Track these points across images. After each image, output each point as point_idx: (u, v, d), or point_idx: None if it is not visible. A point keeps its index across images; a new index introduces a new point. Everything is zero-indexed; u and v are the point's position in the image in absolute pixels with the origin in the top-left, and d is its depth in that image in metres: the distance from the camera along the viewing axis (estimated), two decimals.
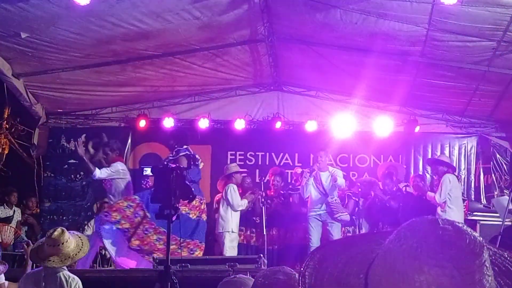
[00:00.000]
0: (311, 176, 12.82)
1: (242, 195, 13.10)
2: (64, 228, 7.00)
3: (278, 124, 15.62)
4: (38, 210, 15.04)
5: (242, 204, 12.92)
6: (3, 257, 10.00)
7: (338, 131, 14.98)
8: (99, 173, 11.60)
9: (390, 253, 1.55)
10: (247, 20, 12.36)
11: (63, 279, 6.85)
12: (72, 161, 15.99)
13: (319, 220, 12.77)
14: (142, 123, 15.67)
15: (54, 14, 10.92)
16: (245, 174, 13.85)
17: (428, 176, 15.13)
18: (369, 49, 12.32)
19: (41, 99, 14.87)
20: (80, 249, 7.00)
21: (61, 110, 15.93)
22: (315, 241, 12.52)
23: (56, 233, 6.84)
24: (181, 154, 11.97)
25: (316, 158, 13.23)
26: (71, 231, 7.32)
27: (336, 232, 12.79)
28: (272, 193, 13.79)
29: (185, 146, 12.26)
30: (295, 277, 3.11)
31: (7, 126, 15.16)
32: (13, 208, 13.99)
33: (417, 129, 15.43)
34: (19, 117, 15.33)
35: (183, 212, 10.96)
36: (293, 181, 14.79)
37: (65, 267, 7.02)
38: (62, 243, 6.80)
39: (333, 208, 12.78)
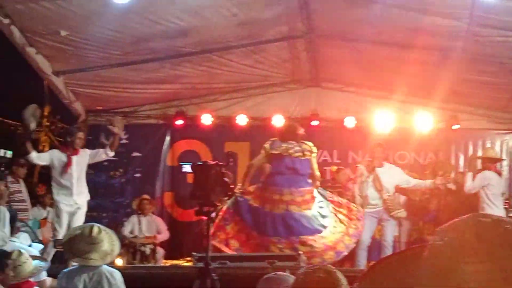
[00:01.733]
0: (371, 174, 12.63)
1: None
2: (100, 226, 7.02)
3: (314, 122, 15.52)
4: None
5: None
6: (42, 255, 10.07)
7: (377, 128, 14.89)
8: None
9: (433, 250, 1.55)
10: (285, 17, 12.34)
11: (108, 274, 6.88)
12: (111, 158, 16.10)
13: (375, 217, 12.52)
14: (180, 121, 15.72)
15: (93, 11, 11.00)
16: None
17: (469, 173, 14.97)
18: (409, 45, 12.21)
19: (80, 96, 14.97)
20: (114, 245, 7.03)
21: (100, 108, 16.03)
22: (366, 239, 12.32)
23: (95, 231, 6.86)
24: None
25: (372, 153, 12.98)
26: (90, 224, 7.35)
27: (390, 231, 12.61)
28: None
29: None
30: (336, 274, 3.09)
31: (47, 123, 15.31)
32: (47, 209, 14.09)
33: (455, 127, 15.22)
34: (59, 114, 15.49)
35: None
36: (330, 179, 14.74)
37: None
38: (102, 241, 6.84)
39: (389, 205, 12.58)
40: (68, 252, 7.00)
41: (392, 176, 12.68)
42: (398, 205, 12.77)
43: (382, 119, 14.94)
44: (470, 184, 12.42)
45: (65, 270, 7.23)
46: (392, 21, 11.45)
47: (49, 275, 7.95)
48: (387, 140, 14.52)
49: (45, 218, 13.74)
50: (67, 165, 11.50)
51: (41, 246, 9.20)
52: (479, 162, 13.28)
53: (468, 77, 13.28)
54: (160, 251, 13.75)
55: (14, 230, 8.08)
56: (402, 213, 12.76)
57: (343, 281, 3.05)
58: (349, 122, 15.39)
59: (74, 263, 7.05)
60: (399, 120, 15.28)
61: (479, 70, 12.83)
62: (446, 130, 15.39)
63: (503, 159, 14.71)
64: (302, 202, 11.14)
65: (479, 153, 14.84)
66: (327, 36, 13.30)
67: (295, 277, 3.27)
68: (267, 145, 11.35)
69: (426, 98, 15.18)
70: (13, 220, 8.12)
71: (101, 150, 12.04)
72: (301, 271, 3.23)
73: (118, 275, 6.94)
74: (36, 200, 14.06)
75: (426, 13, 10.83)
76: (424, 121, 15.05)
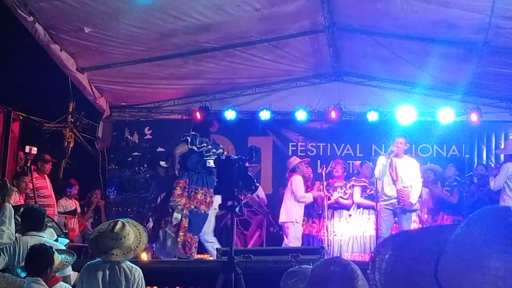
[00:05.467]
0: (388, 157, 12.55)
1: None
2: (124, 221, 7.08)
3: (333, 114, 15.47)
4: (103, 202, 15.25)
5: (306, 196, 13.00)
6: (70, 248, 10.19)
7: (400, 121, 14.85)
8: None
9: (460, 240, 1.57)
10: (307, 11, 12.34)
11: (127, 269, 6.95)
12: (135, 153, 16.23)
13: (390, 209, 12.51)
14: (204, 116, 15.74)
15: (117, 8, 11.08)
16: (306, 165, 13.89)
17: (492, 165, 14.94)
18: (431, 38, 12.20)
19: (104, 92, 15.06)
20: (140, 241, 7.10)
21: (124, 103, 16.14)
22: (384, 232, 12.28)
23: (117, 227, 6.92)
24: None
25: (395, 143, 12.82)
26: (125, 219, 7.42)
27: (407, 223, 12.53)
28: (333, 183, 13.82)
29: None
30: (350, 266, 3.12)
31: (72, 119, 15.45)
32: (73, 200, 14.20)
33: (474, 118, 15.07)
34: (83, 110, 15.61)
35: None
36: (355, 172, 14.74)
37: None
38: (124, 237, 6.90)
39: (402, 195, 12.52)
40: (94, 248, 7.10)
41: (409, 169, 12.60)
42: (409, 197, 12.61)
43: (404, 112, 14.89)
44: (493, 183, 12.36)
45: (88, 262, 7.33)
46: (414, 14, 11.43)
47: (75, 269, 8.04)
48: (410, 133, 14.51)
49: (74, 211, 13.84)
50: None
51: (66, 241, 9.27)
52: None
53: (491, 70, 13.23)
54: None
55: (42, 227, 8.16)
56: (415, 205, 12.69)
57: (359, 271, 3.09)
58: (372, 116, 15.35)
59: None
60: (421, 113, 15.24)
61: (501, 62, 12.78)
62: (469, 122, 15.31)
63: None
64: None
65: (502, 146, 14.82)
66: (349, 30, 13.29)
67: (311, 271, 3.31)
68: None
69: (448, 91, 15.14)
70: (42, 216, 8.20)
71: None
72: (316, 265, 3.27)
73: (137, 272, 7.00)
74: (65, 194, 14.14)
75: (448, 6, 10.81)
76: (447, 114, 14.98)
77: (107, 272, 6.92)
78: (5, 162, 12.32)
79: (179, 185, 10.94)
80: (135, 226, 7.25)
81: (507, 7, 10.38)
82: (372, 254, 1.85)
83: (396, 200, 12.39)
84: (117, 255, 6.89)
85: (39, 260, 6.67)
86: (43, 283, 6.52)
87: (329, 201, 13.35)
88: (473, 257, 1.50)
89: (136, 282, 6.95)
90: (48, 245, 6.97)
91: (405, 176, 12.46)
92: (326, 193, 13.29)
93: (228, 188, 8.02)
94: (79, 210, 14.21)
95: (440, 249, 1.66)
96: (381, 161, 12.48)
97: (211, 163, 10.27)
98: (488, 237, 1.49)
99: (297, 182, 13.03)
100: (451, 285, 1.57)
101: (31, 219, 8.05)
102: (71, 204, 13.99)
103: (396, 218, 12.56)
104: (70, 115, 15.29)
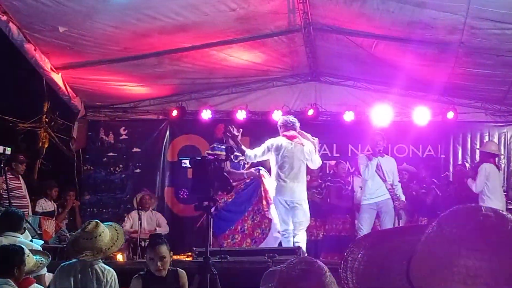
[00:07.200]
0: (375, 156, 12.54)
1: None
2: (98, 221, 7.04)
3: (310, 112, 15.51)
4: (78, 203, 15.13)
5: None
6: (44, 249, 10.11)
7: (376, 121, 14.89)
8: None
9: (431, 239, 1.57)
10: (283, 11, 12.33)
11: (99, 271, 6.90)
12: (111, 154, 16.17)
13: (374, 209, 12.52)
14: (180, 115, 15.74)
15: (91, 7, 11.00)
16: None
17: (467, 165, 15.02)
18: (407, 39, 12.22)
19: (79, 92, 14.98)
20: (114, 243, 7.05)
21: (99, 104, 16.08)
22: (366, 231, 12.24)
23: (90, 226, 6.89)
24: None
25: (372, 142, 12.86)
26: (109, 223, 7.37)
27: (390, 223, 12.41)
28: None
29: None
30: (318, 263, 3.18)
31: (47, 120, 15.33)
32: (52, 202, 14.10)
33: (450, 115, 15.14)
34: (58, 111, 15.50)
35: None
36: (330, 172, 14.75)
37: (100, 260, 7.09)
38: (96, 237, 6.84)
39: (395, 193, 12.54)
40: (70, 248, 7.05)
41: (391, 167, 12.69)
42: (402, 196, 12.68)
43: (380, 113, 14.94)
44: (474, 186, 12.40)
45: (62, 264, 7.27)
46: (389, 15, 11.44)
47: (49, 271, 7.98)
48: (386, 133, 14.54)
49: (52, 212, 13.74)
50: None
51: (41, 242, 9.21)
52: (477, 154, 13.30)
53: (466, 70, 13.28)
54: None
55: (20, 228, 8.12)
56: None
57: (326, 268, 3.12)
58: (348, 116, 15.39)
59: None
60: (397, 113, 15.31)
61: (476, 63, 12.82)
62: (444, 123, 15.40)
63: (501, 154, 14.78)
64: None
65: (478, 146, 14.94)
66: (325, 30, 13.28)
67: (279, 272, 3.31)
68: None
69: (424, 91, 15.21)
70: (20, 219, 8.16)
71: None
72: (283, 266, 3.27)
73: (110, 274, 6.95)
74: (45, 192, 14.02)
75: (423, 6, 10.83)
76: (422, 114, 15.06)
77: (79, 273, 6.87)
78: None
79: None
80: (116, 230, 7.21)
81: (482, 8, 10.39)
82: (345, 254, 1.86)
83: (380, 199, 12.39)
84: (86, 254, 6.85)
85: (6, 261, 6.57)
86: (13, 284, 6.44)
87: None
88: (444, 256, 1.51)
89: (109, 284, 6.90)
90: (17, 245, 6.88)
91: (390, 175, 12.55)
92: None
93: (204, 188, 8.00)
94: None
95: (412, 248, 1.66)
96: (367, 161, 12.49)
97: (186, 163, 10.24)
98: (458, 236, 1.50)
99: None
100: (422, 283, 1.58)
101: (8, 221, 7.99)
102: (50, 205, 13.90)
103: (380, 217, 12.58)
104: (45, 115, 15.17)
